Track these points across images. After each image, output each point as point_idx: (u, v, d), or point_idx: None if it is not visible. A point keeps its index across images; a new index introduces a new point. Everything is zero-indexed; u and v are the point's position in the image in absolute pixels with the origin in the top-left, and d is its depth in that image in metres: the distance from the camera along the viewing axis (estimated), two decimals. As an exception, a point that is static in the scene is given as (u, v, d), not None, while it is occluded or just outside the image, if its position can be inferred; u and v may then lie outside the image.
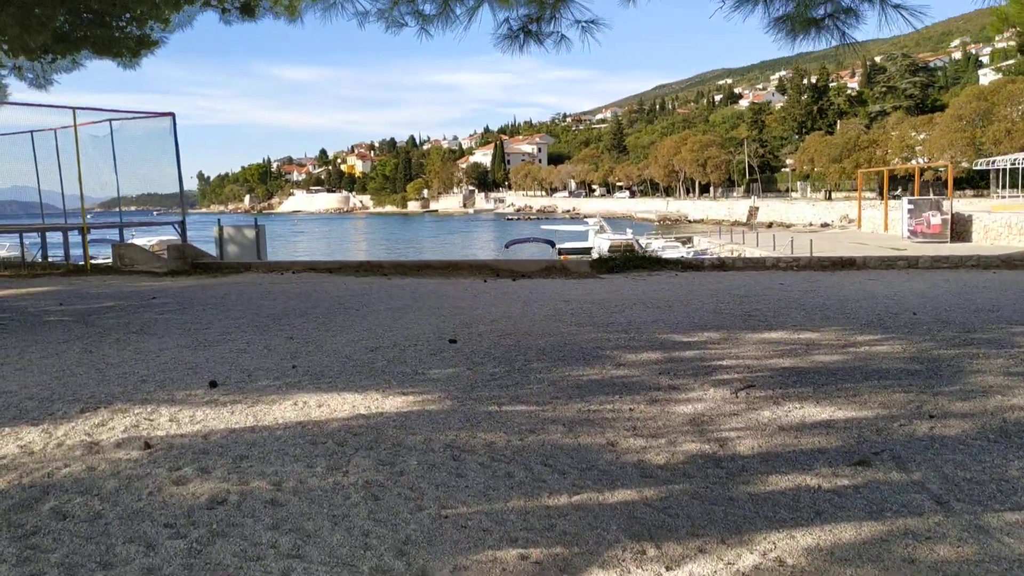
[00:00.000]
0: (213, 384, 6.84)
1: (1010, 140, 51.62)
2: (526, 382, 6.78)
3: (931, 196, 36.76)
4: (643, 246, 34.31)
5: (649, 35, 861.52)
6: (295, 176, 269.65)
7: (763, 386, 6.49)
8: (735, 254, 35.12)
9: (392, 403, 6.17)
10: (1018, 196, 44.47)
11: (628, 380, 6.78)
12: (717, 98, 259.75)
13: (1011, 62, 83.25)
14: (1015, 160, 42.78)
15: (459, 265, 16.69)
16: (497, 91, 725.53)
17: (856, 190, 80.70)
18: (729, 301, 11.61)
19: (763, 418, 5.58)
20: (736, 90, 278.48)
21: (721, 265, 16.69)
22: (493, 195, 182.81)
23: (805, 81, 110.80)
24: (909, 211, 34.11)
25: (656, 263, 16.93)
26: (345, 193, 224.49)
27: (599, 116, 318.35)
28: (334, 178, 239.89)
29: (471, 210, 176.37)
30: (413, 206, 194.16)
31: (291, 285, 14.78)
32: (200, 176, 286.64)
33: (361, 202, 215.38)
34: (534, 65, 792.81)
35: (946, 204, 33.74)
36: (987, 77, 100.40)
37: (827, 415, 5.62)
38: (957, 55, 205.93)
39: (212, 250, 19.80)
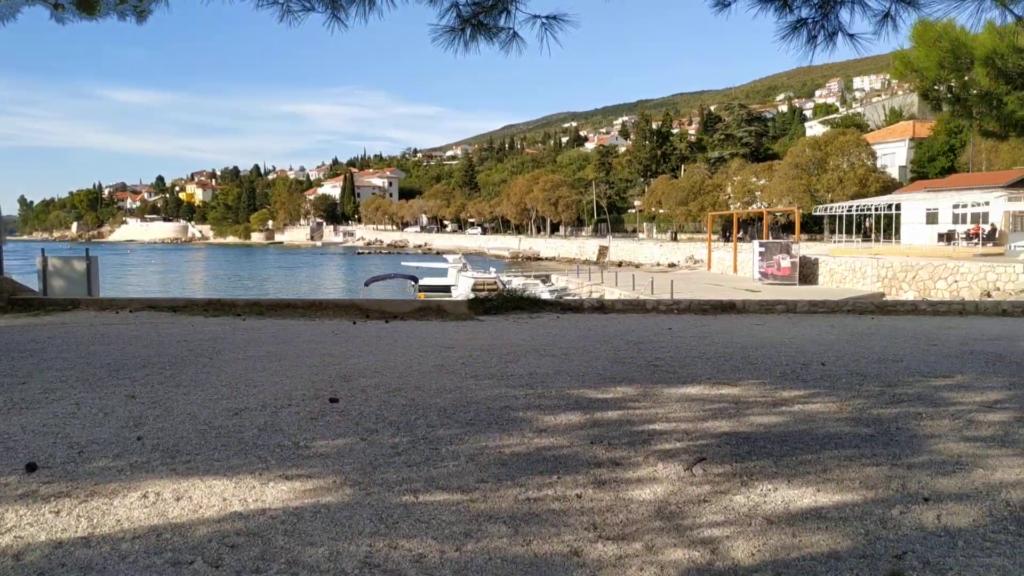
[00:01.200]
0: (31, 467, 5.25)
1: (842, 188, 54.84)
2: (438, 457, 5.58)
3: (781, 240, 38.23)
4: (505, 284, 33.61)
5: (498, 76, 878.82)
6: (129, 203, 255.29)
7: (715, 458, 5.58)
8: (597, 294, 35.02)
9: (275, 493, 4.82)
10: (852, 241, 47.06)
11: (559, 453, 5.71)
12: (564, 140, 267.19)
13: (837, 116, 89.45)
14: (851, 207, 45.27)
15: (323, 304, 15.21)
16: (346, 123, 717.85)
17: (699, 231, 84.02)
18: (626, 348, 10.81)
19: (739, 505, 4.64)
20: (582, 133, 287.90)
21: (601, 307, 16.01)
22: (342, 228, 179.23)
23: (653, 126, 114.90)
24: (760, 254, 35.15)
25: (535, 304, 16.06)
26: (183, 222, 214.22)
27: (449, 153, 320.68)
28: (172, 207, 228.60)
29: (319, 243, 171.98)
30: (257, 237, 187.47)
31: (129, 327, 12.87)
32: (22, 200, 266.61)
33: (201, 232, 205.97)
34: (384, 100, 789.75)
35: (795, 248, 35.01)
36: (812, 129, 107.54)
37: (810, 500, 4.74)
38: (783, 108, 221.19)
39: (34, 284, 17.33)
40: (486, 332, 12.70)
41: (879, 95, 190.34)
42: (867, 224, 55.53)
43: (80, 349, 10.47)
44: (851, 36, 6.26)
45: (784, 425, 6.57)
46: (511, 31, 5.49)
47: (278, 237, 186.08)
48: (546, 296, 30.08)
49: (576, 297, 29.12)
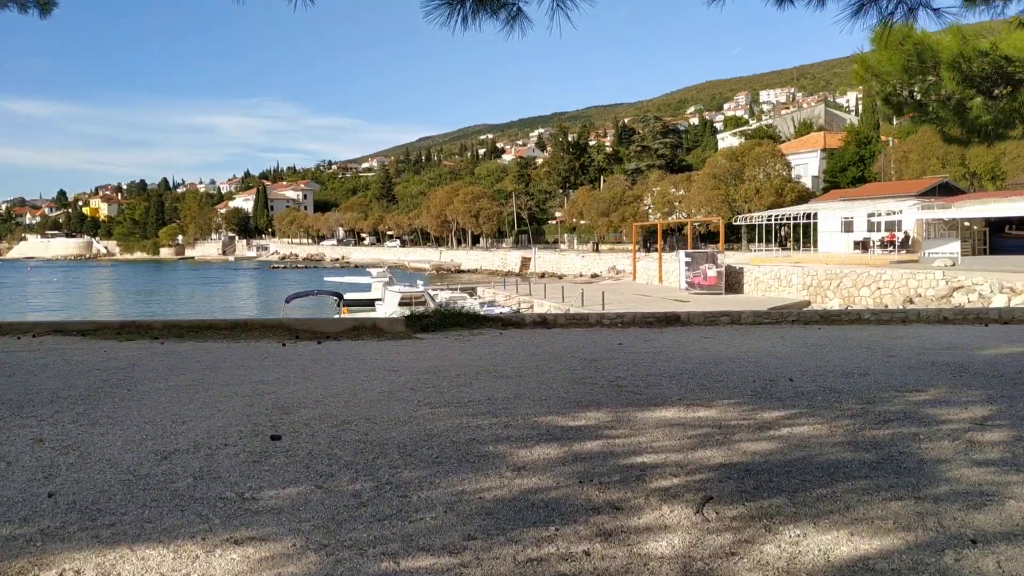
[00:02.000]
0: (-88, 541, 4.30)
1: (759, 198, 55.81)
2: (411, 508, 4.84)
3: (706, 250, 38.47)
4: (432, 298, 32.79)
5: (413, 87, 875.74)
6: (29, 219, 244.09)
7: (723, 497, 4.99)
8: (526, 306, 34.50)
9: (225, 564, 4.00)
10: (772, 250, 47.84)
11: (548, 497, 5.03)
12: (481, 152, 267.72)
13: (749, 128, 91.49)
14: (770, 216, 46.00)
15: (248, 325, 14.18)
16: (258, 135, 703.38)
17: (620, 242, 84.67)
18: (582, 367, 10.22)
19: (774, 558, 4.05)
20: (499, 145, 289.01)
21: (544, 322, 15.42)
22: (256, 242, 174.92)
23: (570, 138, 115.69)
24: (687, 263, 35.25)
25: (474, 320, 15.35)
26: (87, 238, 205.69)
27: (365, 165, 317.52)
28: (75, 222, 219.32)
29: (231, 257, 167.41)
30: (166, 252, 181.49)
31: (33, 354, 11.63)
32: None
33: (107, 248, 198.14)
34: (297, 111, 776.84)
35: (720, 257, 35.21)
36: (724, 141, 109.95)
37: (849, 547, 4.18)
38: (695, 120, 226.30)
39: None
40: (429, 352, 11.94)
41: (786, 108, 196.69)
42: (782, 233, 56.63)
43: (-24, 382, 9.30)
44: (935, 10, 5.95)
45: (780, 453, 6.04)
46: (515, 7, 4.78)
47: (189, 252, 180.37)
48: (476, 310, 29.44)
49: (506, 309, 28.52)
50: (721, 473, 5.51)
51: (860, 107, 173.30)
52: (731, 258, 46.75)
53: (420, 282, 43.28)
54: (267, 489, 5.23)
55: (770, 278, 33.22)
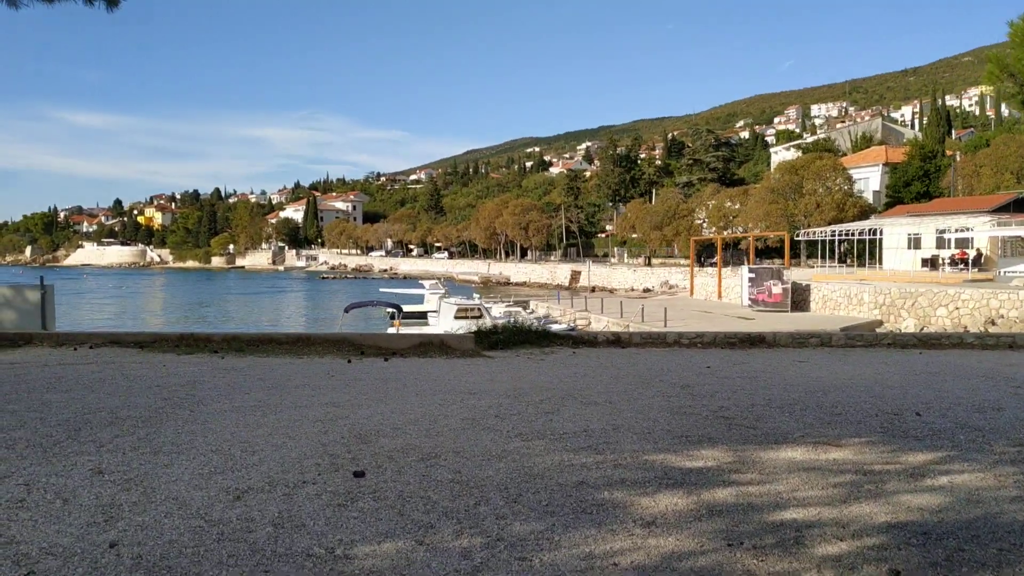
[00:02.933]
0: (-48, 606, 3.61)
1: (820, 212, 54.24)
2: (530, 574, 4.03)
3: (772, 266, 37.21)
4: (488, 311, 32.08)
5: (460, 101, 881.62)
6: (85, 227, 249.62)
7: (913, 572, 4.11)
8: (583, 321, 33.62)
9: (327, 656, 3.23)
10: (834, 266, 46.34)
11: (697, 564, 4.20)
12: (528, 164, 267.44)
13: (808, 140, 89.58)
14: (834, 232, 44.55)
15: (311, 339, 13.54)
16: (307, 148, 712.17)
17: (672, 256, 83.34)
18: (677, 395, 9.34)
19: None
20: (546, 158, 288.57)
21: (617, 340, 14.56)
22: (305, 252, 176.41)
23: (620, 151, 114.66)
24: (750, 280, 34.06)
25: (544, 337, 14.55)
26: (142, 246, 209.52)
27: (413, 177, 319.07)
28: (130, 230, 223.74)
29: (281, 267, 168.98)
30: (217, 261, 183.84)
31: (90, 367, 11.11)
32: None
33: (160, 256, 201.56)
34: (345, 124, 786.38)
35: (786, 274, 33.96)
36: (778, 155, 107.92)
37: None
38: (745, 134, 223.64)
39: (-21, 315, 15.45)
40: (503, 372, 11.16)
41: (839, 122, 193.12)
42: (842, 249, 54.93)
43: (32, 398, 8.73)
44: None
45: (952, 509, 5.12)
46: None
47: (239, 261, 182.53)
48: (537, 326, 28.64)
49: (564, 325, 27.64)
50: (895, 537, 4.62)
51: (917, 121, 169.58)
52: (793, 275, 45.39)
53: (476, 295, 42.60)
54: (360, 544, 4.47)
55: (839, 296, 31.89)
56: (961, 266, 39.68)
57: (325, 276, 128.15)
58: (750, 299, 33.90)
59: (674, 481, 5.71)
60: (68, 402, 8.53)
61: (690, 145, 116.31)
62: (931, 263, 41.90)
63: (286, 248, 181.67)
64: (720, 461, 6.31)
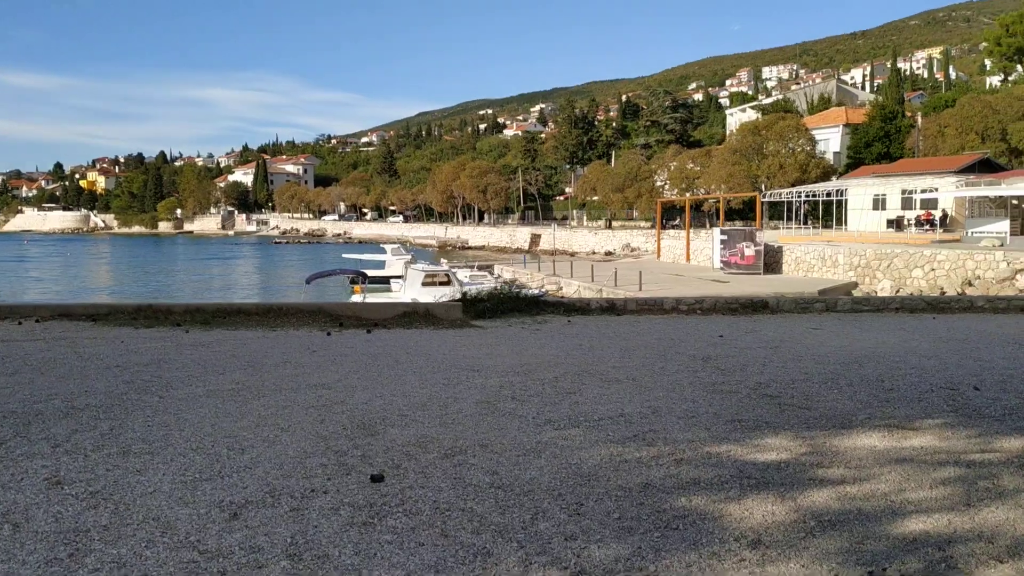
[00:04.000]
0: None
1: (783, 174, 53.88)
2: (651, 628, 3.10)
3: (744, 227, 36.65)
4: (457, 277, 30.99)
5: (411, 62, 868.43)
6: (25, 192, 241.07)
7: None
8: (552, 286, 32.75)
9: None
10: (800, 228, 46.05)
11: (846, 603, 3.30)
12: (482, 127, 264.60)
13: (764, 102, 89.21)
14: (802, 193, 44.15)
15: (284, 309, 12.40)
16: (256, 109, 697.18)
17: (632, 219, 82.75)
18: (703, 369, 8.48)
19: None
20: (499, 120, 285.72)
21: (612, 308, 13.68)
22: (256, 216, 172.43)
23: (576, 112, 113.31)
24: (722, 242, 33.44)
25: (533, 305, 13.60)
26: (85, 211, 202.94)
27: (365, 139, 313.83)
28: (72, 195, 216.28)
29: (231, 232, 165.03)
30: (165, 226, 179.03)
31: (37, 345, 9.88)
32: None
33: (104, 222, 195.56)
34: (294, 85, 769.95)
35: (759, 235, 33.39)
36: (733, 116, 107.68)
37: None
38: (698, 96, 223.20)
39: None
40: (501, 345, 10.20)
41: (791, 84, 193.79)
42: (804, 210, 54.71)
43: (-30, 384, 7.54)
44: None
45: (1097, 512, 4.31)
46: None
47: (188, 226, 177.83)
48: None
49: (535, 291, 26.70)
50: (1057, 553, 3.78)
51: (868, 84, 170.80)
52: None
53: (444, 261, 41.49)
54: (406, 582, 3.49)
55: (812, 257, 31.43)
56: (927, 227, 39.58)
57: (277, 241, 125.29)
58: (722, 261, 33.32)
59: (755, 481, 4.82)
60: (14, 388, 7.36)
61: (645, 107, 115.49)
62: (897, 224, 41.78)
63: (236, 212, 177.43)
64: (794, 452, 5.43)
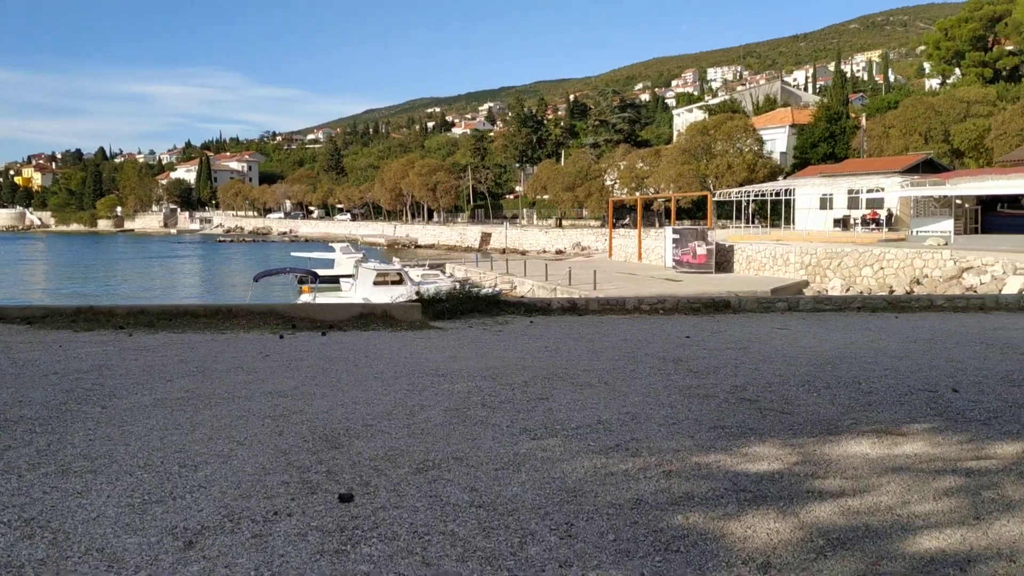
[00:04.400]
0: None
1: (731, 173, 54.34)
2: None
3: (696, 226, 36.76)
4: (410, 276, 30.47)
5: (358, 59, 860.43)
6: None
7: None
8: (505, 285, 32.44)
9: None
10: (749, 227, 46.45)
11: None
12: (430, 125, 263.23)
13: (711, 102, 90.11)
14: (754, 192, 44.51)
15: (233, 311, 11.85)
16: (199, 105, 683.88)
17: (582, 218, 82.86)
18: (675, 371, 8.23)
19: None
20: (447, 118, 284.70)
21: (573, 308, 13.39)
22: (199, 214, 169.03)
23: (527, 111, 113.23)
24: (674, 241, 33.47)
25: (494, 305, 13.24)
26: (20, 209, 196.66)
27: (311, 136, 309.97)
28: (6, 192, 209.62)
29: (174, 230, 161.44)
30: (104, 224, 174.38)
31: (-34, 351, 9.22)
32: None
33: (40, 219, 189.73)
34: (238, 81, 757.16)
35: (711, 234, 33.49)
36: (680, 117, 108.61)
37: None
38: (645, 96, 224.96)
39: None
40: (464, 348, 9.83)
41: (736, 85, 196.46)
42: (750, 210, 55.26)
43: None
44: None
45: (1110, 524, 4.11)
46: None
47: (128, 224, 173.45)
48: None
49: (489, 290, 26.38)
50: (1083, 572, 3.56)
51: (811, 85, 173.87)
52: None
53: (396, 259, 40.82)
54: (390, 623, 3.11)
55: (763, 256, 31.63)
56: (873, 226, 40.19)
57: (221, 239, 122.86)
58: (674, 260, 33.35)
59: (752, 494, 4.54)
60: (-60, 399, 6.77)
61: (593, 107, 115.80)
62: (843, 223, 42.35)
63: (178, 210, 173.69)
64: (785, 462, 5.18)
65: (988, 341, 10.15)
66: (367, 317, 11.72)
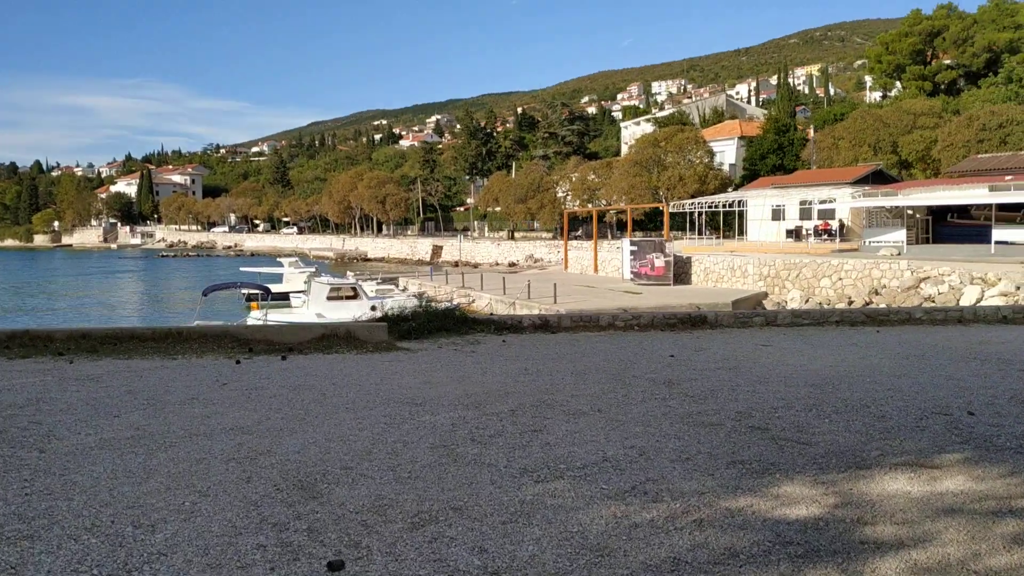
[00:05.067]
0: None
1: (683, 185, 54.47)
2: None
3: (654, 238, 36.50)
4: (365, 291, 29.60)
5: (303, 70, 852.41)
6: None
7: None
8: (462, 299, 31.77)
9: None
10: (703, 239, 46.50)
11: None
12: (377, 137, 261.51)
13: (664, 113, 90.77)
14: (706, 204, 44.55)
15: (184, 334, 11.00)
16: (139, 118, 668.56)
17: (534, 230, 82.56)
18: (670, 396, 7.70)
19: None
20: (395, 130, 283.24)
21: (545, 325, 12.81)
22: (140, 229, 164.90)
23: (478, 124, 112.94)
24: (632, 253, 33.16)
25: (462, 323, 12.59)
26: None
27: (256, 149, 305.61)
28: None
29: (114, 245, 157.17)
30: (41, 240, 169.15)
31: None
32: None
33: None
34: (180, 93, 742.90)
35: (669, 246, 33.26)
36: (628, 129, 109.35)
37: None
38: (592, 109, 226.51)
39: None
40: (438, 372, 9.16)
41: (680, 98, 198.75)
42: (702, 221, 55.47)
43: None
44: None
45: None
46: None
47: (66, 239, 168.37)
48: (412, 303, 26.48)
49: (447, 304, 25.72)
50: None
51: (754, 99, 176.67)
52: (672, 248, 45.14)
53: (350, 273, 39.83)
54: None
55: (721, 268, 31.48)
56: (825, 236, 40.45)
57: (164, 254, 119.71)
58: (632, 272, 33.03)
59: (801, 548, 3.99)
60: None
61: (542, 119, 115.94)
62: (795, 234, 42.56)
63: (119, 225, 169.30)
64: (823, 504, 4.64)
65: (980, 356, 9.83)
66: (329, 339, 10.99)
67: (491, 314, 14.51)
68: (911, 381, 8.31)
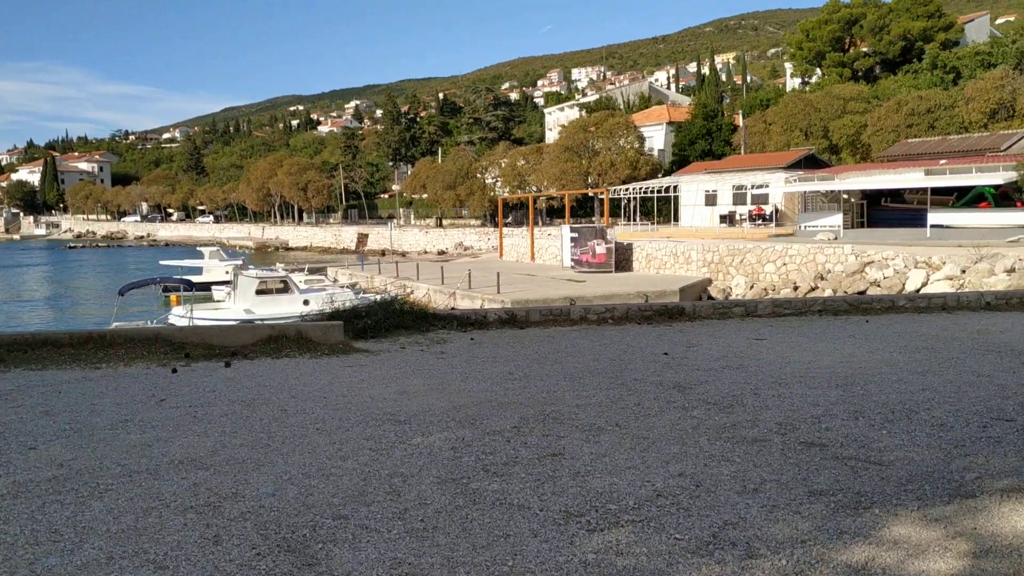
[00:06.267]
0: None
1: (614, 171, 54.00)
2: None
3: (595, 224, 35.71)
4: (296, 284, 27.98)
5: (214, 54, 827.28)
6: None
7: None
8: (396, 289, 30.45)
9: None
10: (639, 224, 46.06)
11: None
12: (294, 123, 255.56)
13: (591, 99, 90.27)
14: (641, 189, 44.07)
15: (108, 338, 9.56)
16: (42, 102, 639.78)
17: (461, 217, 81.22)
18: (688, 403, 6.76)
19: None
20: (312, 116, 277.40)
21: (512, 320, 11.76)
22: (45, 219, 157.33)
23: (401, 109, 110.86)
24: (573, 240, 32.32)
25: (422, 319, 11.44)
26: None
27: (167, 135, 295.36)
28: None
29: (16, 236, 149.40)
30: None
31: None
32: None
33: None
34: (84, 77, 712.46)
35: (610, 233, 32.51)
36: (552, 115, 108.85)
37: None
38: (514, 95, 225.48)
39: None
40: (412, 378, 8.02)
41: (600, 85, 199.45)
42: (634, 207, 55.17)
43: None
44: None
45: None
46: None
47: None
48: (348, 295, 25.12)
49: (384, 295, 24.42)
50: None
51: (674, 86, 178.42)
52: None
53: (279, 264, 37.98)
54: None
55: (664, 254, 30.92)
56: (759, 222, 40.41)
57: (72, 245, 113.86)
58: (572, 260, 32.20)
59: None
60: None
61: (466, 105, 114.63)
62: (729, 219, 42.45)
63: (21, 215, 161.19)
64: (956, 552, 3.73)
65: (991, 348, 9.17)
66: (278, 340, 9.70)
67: (453, 308, 13.39)
68: (940, 379, 7.55)
